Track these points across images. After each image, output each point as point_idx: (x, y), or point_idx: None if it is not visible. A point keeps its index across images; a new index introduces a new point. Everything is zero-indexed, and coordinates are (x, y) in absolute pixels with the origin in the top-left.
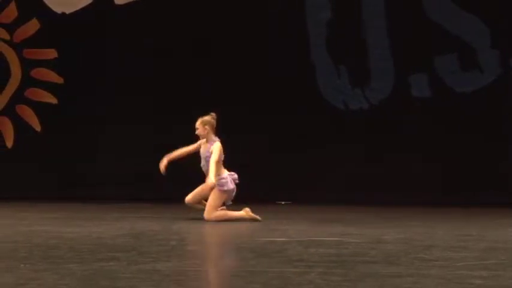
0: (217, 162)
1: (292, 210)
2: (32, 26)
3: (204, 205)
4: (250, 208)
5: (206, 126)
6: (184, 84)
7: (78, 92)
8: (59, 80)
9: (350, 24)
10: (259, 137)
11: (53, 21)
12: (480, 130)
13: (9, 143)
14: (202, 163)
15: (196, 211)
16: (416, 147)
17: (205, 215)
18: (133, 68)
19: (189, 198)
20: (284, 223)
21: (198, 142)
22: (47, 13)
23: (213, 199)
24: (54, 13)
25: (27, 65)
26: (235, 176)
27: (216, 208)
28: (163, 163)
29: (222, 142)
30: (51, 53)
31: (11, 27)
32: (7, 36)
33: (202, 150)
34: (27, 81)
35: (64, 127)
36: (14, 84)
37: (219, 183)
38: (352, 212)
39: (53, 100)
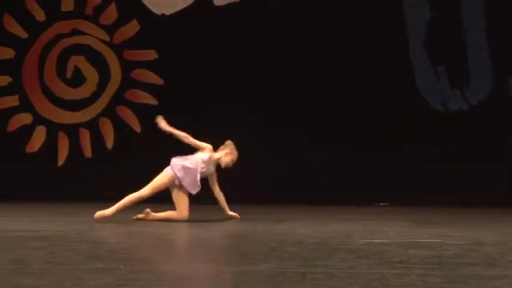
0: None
1: (391, 211)
2: (132, 27)
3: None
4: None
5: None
6: (278, 82)
7: (178, 93)
8: (159, 81)
9: (448, 24)
10: (354, 138)
11: (152, 22)
12: None
13: (110, 144)
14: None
15: None
16: None
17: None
18: (231, 68)
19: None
20: (383, 224)
21: (209, 147)
22: (146, 14)
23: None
24: (154, 14)
25: (127, 66)
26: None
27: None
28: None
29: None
30: (151, 54)
31: (111, 29)
32: (107, 38)
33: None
34: (127, 82)
35: None
36: (114, 86)
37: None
38: (449, 213)
39: (153, 101)
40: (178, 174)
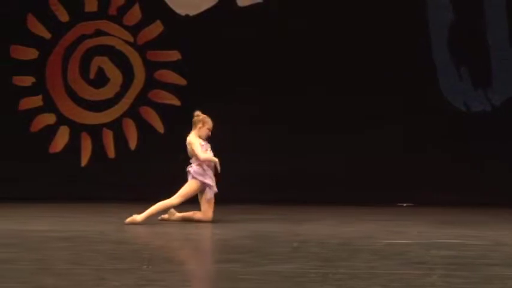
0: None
1: (413, 212)
2: (156, 28)
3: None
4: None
5: (199, 125)
6: (301, 82)
7: (201, 93)
8: (182, 82)
9: (471, 25)
10: (375, 138)
11: (176, 23)
12: None
13: (133, 145)
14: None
15: None
16: None
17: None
18: (254, 68)
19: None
20: (405, 225)
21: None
22: (170, 15)
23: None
24: (178, 15)
25: (150, 67)
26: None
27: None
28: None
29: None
30: (175, 55)
31: (134, 30)
32: (131, 39)
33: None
34: (151, 83)
35: (187, 129)
36: (138, 86)
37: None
38: (470, 213)
39: (176, 102)
40: (208, 182)
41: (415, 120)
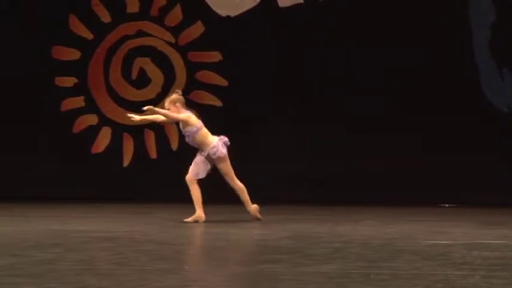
0: (169, 116)
1: (455, 212)
2: (197, 29)
3: None
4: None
5: (177, 104)
6: (344, 82)
7: (242, 94)
8: (223, 82)
9: None
10: (413, 138)
11: (217, 24)
12: None
13: (174, 145)
14: (187, 139)
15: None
16: None
17: (230, 182)
18: (296, 69)
19: (189, 176)
20: (447, 226)
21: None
22: (211, 16)
23: (225, 170)
24: (219, 16)
25: (192, 67)
26: (225, 139)
27: (232, 174)
28: (135, 118)
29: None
30: (216, 56)
31: (176, 30)
32: (172, 39)
33: (181, 127)
34: (192, 84)
35: (228, 129)
36: (179, 87)
37: (211, 152)
38: None
39: (217, 103)
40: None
41: (458, 121)
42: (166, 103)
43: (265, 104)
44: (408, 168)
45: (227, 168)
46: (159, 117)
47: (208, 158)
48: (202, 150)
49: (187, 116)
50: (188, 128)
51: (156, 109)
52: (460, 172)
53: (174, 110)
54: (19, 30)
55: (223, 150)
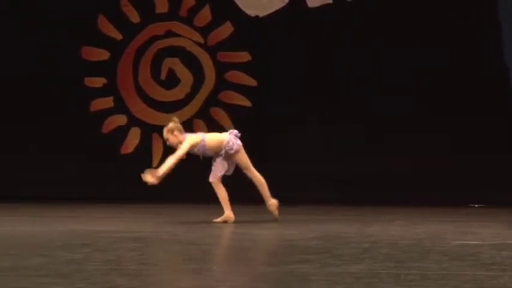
0: (177, 158)
1: (484, 212)
2: (226, 29)
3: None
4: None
5: (175, 132)
6: (372, 82)
7: (271, 94)
8: (253, 82)
9: None
10: (440, 137)
11: (246, 24)
12: None
13: None
14: (201, 156)
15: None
16: None
17: (250, 174)
18: (325, 69)
19: (212, 177)
20: (476, 226)
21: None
22: (240, 16)
23: (244, 162)
24: (248, 16)
25: (221, 68)
26: (235, 131)
27: (251, 165)
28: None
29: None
30: (245, 56)
31: (205, 31)
32: (201, 40)
33: (190, 152)
34: (221, 84)
35: (257, 130)
36: (209, 87)
37: (228, 148)
38: None
39: (247, 103)
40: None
41: (485, 121)
42: (164, 133)
43: (294, 104)
44: (435, 168)
45: (246, 160)
46: (172, 163)
47: (226, 156)
48: (218, 153)
49: (188, 143)
50: (196, 149)
51: (162, 169)
52: (488, 172)
53: (173, 138)
54: (46, 30)
55: (238, 142)
